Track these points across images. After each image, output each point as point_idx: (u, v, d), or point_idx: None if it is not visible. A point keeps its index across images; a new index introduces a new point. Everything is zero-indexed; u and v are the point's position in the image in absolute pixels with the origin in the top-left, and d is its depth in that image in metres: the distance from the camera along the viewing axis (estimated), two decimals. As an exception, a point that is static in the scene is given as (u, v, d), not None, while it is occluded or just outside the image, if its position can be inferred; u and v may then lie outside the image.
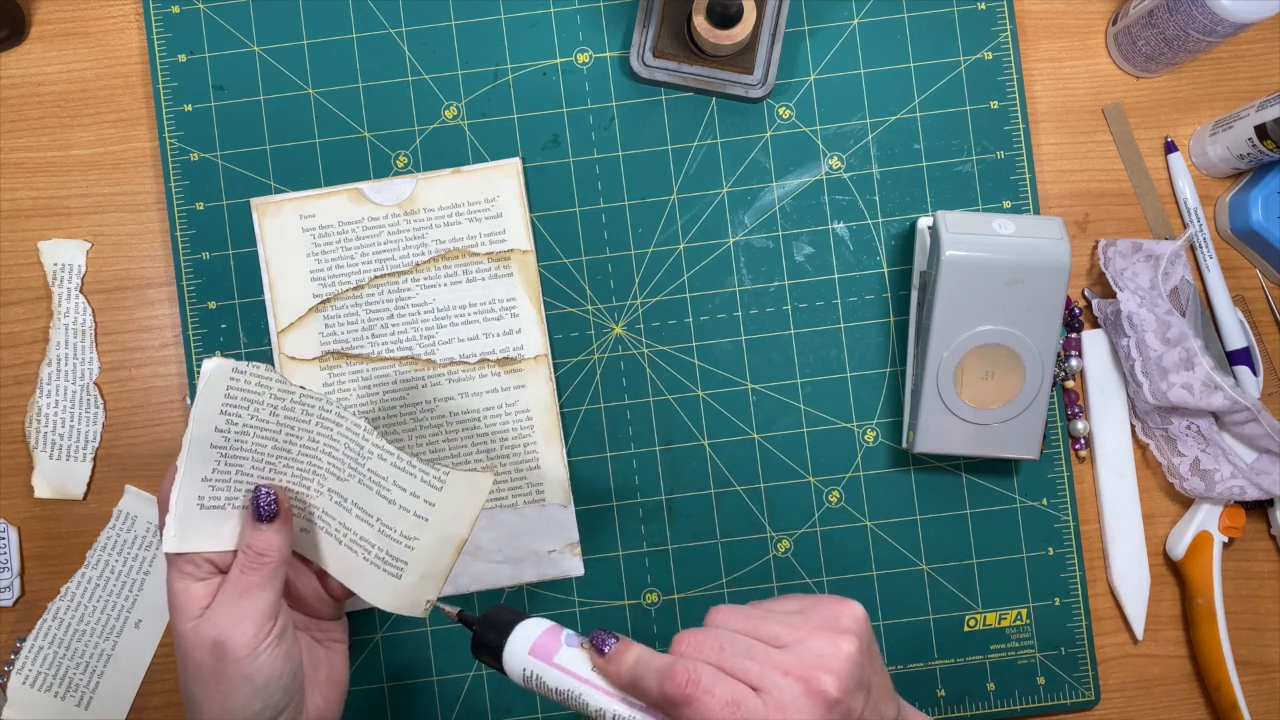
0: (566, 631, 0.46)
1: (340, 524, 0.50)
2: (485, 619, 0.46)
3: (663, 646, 0.62)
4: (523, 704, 0.62)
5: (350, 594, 0.51)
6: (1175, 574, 0.64)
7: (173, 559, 0.47)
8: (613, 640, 0.44)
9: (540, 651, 0.45)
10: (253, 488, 0.49)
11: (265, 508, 0.48)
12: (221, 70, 0.63)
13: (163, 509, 0.47)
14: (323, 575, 0.52)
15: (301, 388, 0.48)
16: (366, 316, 0.62)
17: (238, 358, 0.62)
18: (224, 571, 0.48)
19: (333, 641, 0.53)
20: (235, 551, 0.48)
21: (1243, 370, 0.62)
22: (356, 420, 0.48)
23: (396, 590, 0.50)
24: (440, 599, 0.50)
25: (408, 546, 0.49)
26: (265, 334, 0.62)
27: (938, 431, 0.59)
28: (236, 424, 0.47)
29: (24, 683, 0.62)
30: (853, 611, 0.43)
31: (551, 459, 0.62)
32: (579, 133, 0.63)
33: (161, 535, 0.47)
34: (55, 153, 0.64)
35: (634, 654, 0.43)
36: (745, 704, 0.40)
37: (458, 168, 0.62)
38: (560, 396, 0.62)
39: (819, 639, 0.42)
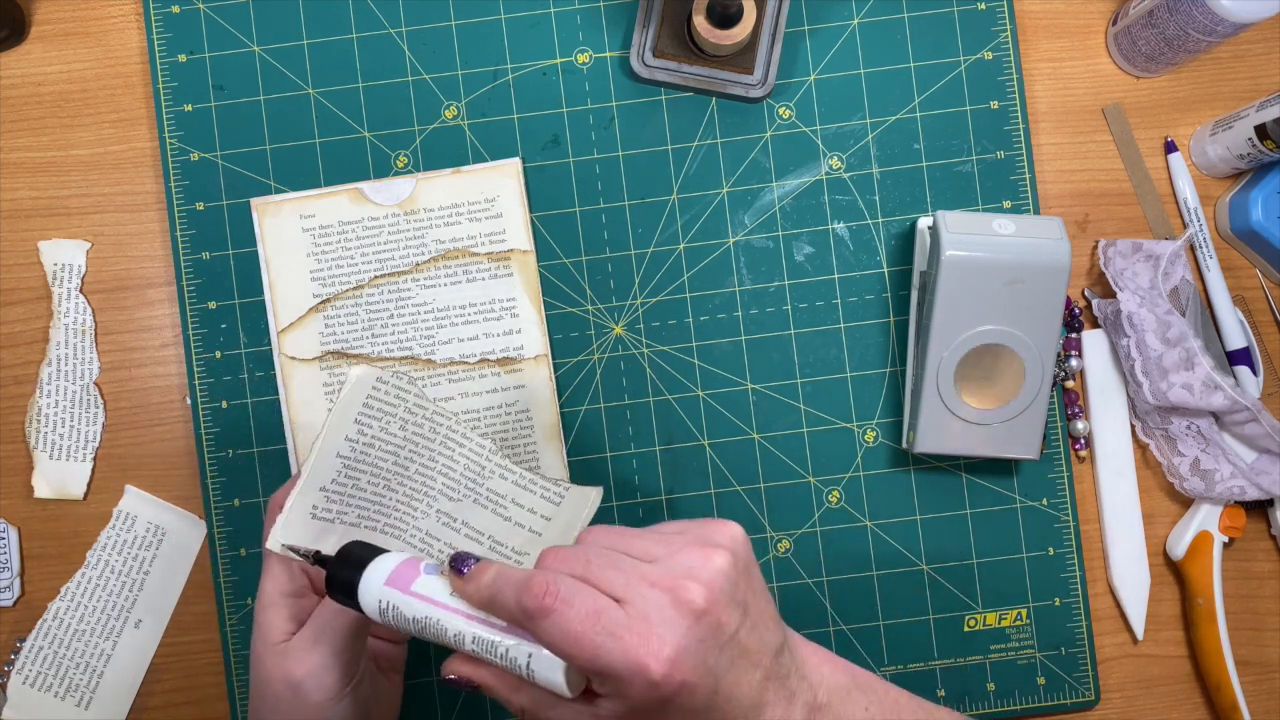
0: (426, 560, 0.43)
1: (446, 544, 0.48)
2: (340, 556, 0.43)
3: (663, 646, 0.62)
4: (523, 704, 0.62)
5: None
6: (1175, 574, 0.64)
7: (270, 562, 0.46)
8: (472, 560, 0.41)
9: (397, 581, 0.42)
10: (368, 507, 0.47)
11: (466, 568, 0.42)
12: (221, 70, 0.63)
13: (274, 513, 0.46)
14: None
15: (435, 405, 0.47)
16: (366, 316, 0.62)
17: (237, 358, 0.62)
18: (316, 593, 0.47)
19: (393, 671, 0.51)
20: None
21: (1243, 370, 0.62)
22: (482, 441, 0.47)
23: None
24: (300, 551, 0.46)
25: (518, 561, 0.48)
26: (265, 334, 0.62)
27: (938, 431, 0.59)
28: (366, 435, 0.46)
29: (24, 683, 0.62)
30: (729, 530, 0.41)
31: (551, 459, 0.62)
32: (579, 133, 0.63)
33: (266, 536, 0.46)
34: (55, 153, 0.64)
35: (492, 571, 0.40)
36: (606, 615, 0.37)
37: (458, 168, 0.62)
38: (560, 396, 0.62)
39: (690, 552, 0.39)
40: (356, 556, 0.43)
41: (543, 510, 0.48)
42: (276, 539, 0.46)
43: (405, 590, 0.41)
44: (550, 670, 0.39)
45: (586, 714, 0.39)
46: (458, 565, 0.40)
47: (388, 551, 0.43)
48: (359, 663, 0.45)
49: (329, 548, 0.47)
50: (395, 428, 0.47)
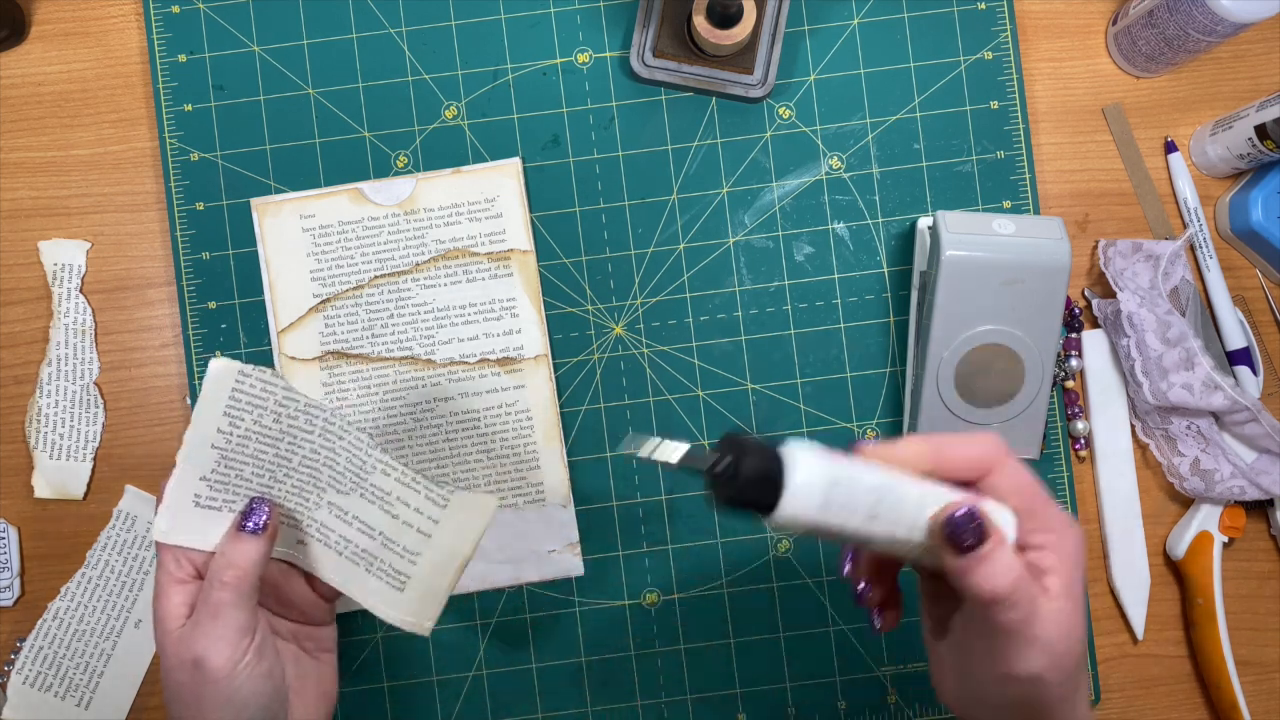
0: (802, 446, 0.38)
1: (340, 536, 0.49)
2: (732, 446, 0.37)
3: (663, 646, 0.62)
4: (523, 704, 0.62)
5: (339, 594, 0.51)
6: (1175, 574, 0.64)
7: (160, 552, 0.47)
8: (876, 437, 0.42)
9: (831, 457, 0.38)
10: (250, 496, 0.48)
11: (253, 522, 0.47)
12: (221, 70, 0.63)
13: (160, 502, 0.47)
14: (311, 578, 0.51)
15: (306, 398, 0.47)
16: (366, 316, 0.62)
17: (238, 358, 0.62)
18: (201, 578, 0.47)
19: (321, 651, 0.52)
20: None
21: (1243, 370, 0.62)
22: (359, 435, 0.48)
23: (398, 603, 0.49)
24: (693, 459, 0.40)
25: (410, 561, 0.49)
26: (265, 334, 0.62)
27: (938, 432, 0.59)
28: (239, 427, 0.47)
29: (24, 683, 0.62)
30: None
31: (551, 459, 0.62)
32: (579, 133, 0.63)
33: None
34: (55, 153, 0.64)
35: (919, 437, 0.41)
36: (1039, 489, 0.40)
37: (458, 168, 0.62)
38: (560, 396, 0.62)
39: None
40: (753, 445, 0.37)
41: (429, 512, 0.48)
42: (160, 529, 0.47)
43: (847, 462, 0.38)
44: (1003, 518, 0.40)
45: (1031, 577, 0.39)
46: (858, 447, 0.40)
47: (776, 446, 0.38)
48: (251, 633, 0.45)
49: (215, 537, 0.47)
50: (269, 420, 0.47)
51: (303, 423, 0.48)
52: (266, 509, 0.47)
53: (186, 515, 0.47)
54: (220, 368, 0.46)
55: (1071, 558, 0.40)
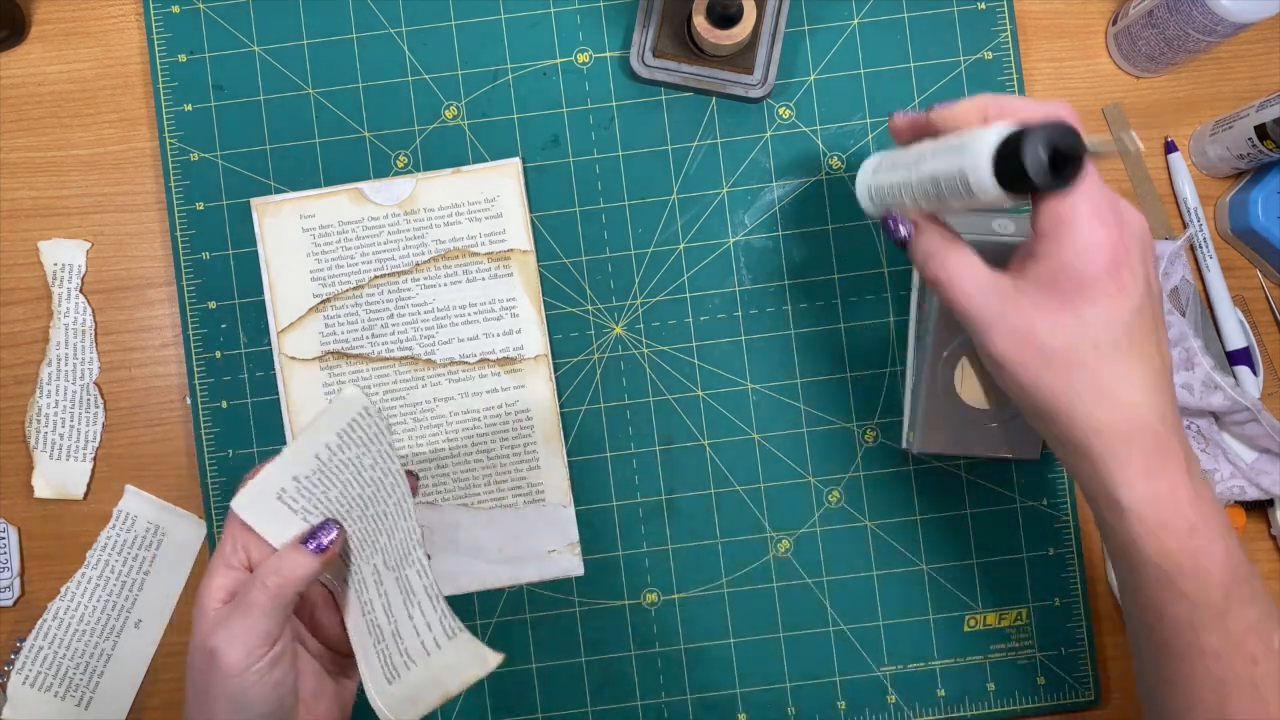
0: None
1: (369, 600, 0.49)
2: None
3: (663, 647, 0.62)
4: (523, 704, 0.62)
5: None
6: (1175, 574, 0.64)
7: (226, 527, 0.48)
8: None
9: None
10: (325, 516, 0.49)
11: (318, 542, 0.47)
12: (221, 70, 0.63)
13: (249, 478, 0.48)
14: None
15: (399, 465, 0.48)
16: (366, 316, 0.62)
17: (237, 358, 0.62)
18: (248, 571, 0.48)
19: (343, 676, 0.52)
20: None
21: (1243, 370, 0.62)
22: (414, 527, 0.48)
23: (385, 691, 0.49)
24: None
25: (406, 664, 0.48)
26: (265, 334, 0.62)
27: (938, 432, 0.59)
28: (342, 454, 0.47)
29: (24, 683, 0.62)
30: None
31: (551, 459, 0.62)
32: (579, 133, 0.63)
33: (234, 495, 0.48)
34: (55, 153, 0.64)
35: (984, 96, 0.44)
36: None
37: (458, 168, 0.62)
38: (560, 396, 0.62)
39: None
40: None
41: (436, 634, 0.48)
42: (240, 502, 0.47)
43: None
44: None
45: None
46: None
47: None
48: (271, 643, 0.45)
49: (281, 537, 0.48)
50: (367, 464, 0.48)
51: (388, 485, 0.48)
52: (335, 534, 0.48)
53: (266, 501, 0.48)
54: (352, 396, 0.46)
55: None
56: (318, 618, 0.51)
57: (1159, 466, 0.42)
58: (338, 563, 0.50)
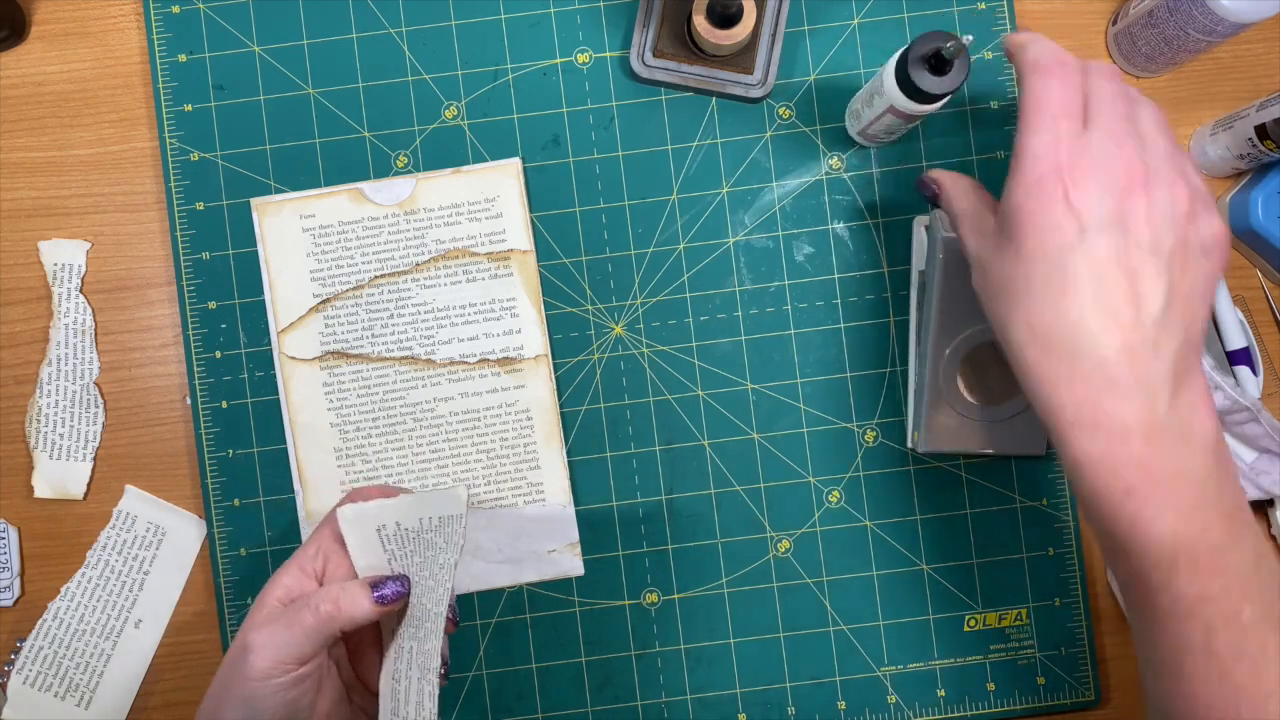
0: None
1: (400, 671, 0.50)
2: None
3: (663, 647, 0.62)
4: (523, 704, 0.62)
5: None
6: (1175, 574, 0.64)
7: (319, 530, 0.49)
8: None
9: None
10: (402, 572, 0.49)
11: (384, 592, 0.47)
12: (221, 70, 0.63)
13: (355, 496, 0.49)
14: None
15: (453, 587, 0.49)
16: (366, 316, 0.62)
17: (237, 358, 0.62)
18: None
19: (362, 713, 0.51)
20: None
21: (1243, 370, 0.62)
22: (438, 650, 0.48)
23: None
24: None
25: None
26: (265, 334, 0.62)
27: (943, 431, 0.59)
28: (431, 534, 0.49)
29: (24, 683, 0.62)
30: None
31: (551, 459, 0.62)
32: (579, 133, 0.63)
33: (343, 501, 0.49)
34: (55, 153, 0.64)
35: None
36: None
37: (458, 168, 0.62)
38: (560, 396, 0.62)
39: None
40: None
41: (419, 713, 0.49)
42: (347, 511, 0.49)
43: None
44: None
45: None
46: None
47: None
48: (299, 664, 0.45)
49: (360, 566, 0.49)
50: (440, 560, 0.49)
51: (439, 592, 0.49)
52: (402, 592, 0.48)
53: (367, 527, 0.49)
54: (462, 496, 0.49)
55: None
56: (365, 650, 0.51)
57: (1095, 420, 0.40)
58: (391, 618, 0.50)
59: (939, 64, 0.51)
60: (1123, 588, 0.44)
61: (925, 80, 0.52)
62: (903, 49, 0.52)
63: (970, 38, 0.49)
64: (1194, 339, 0.42)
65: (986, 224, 0.45)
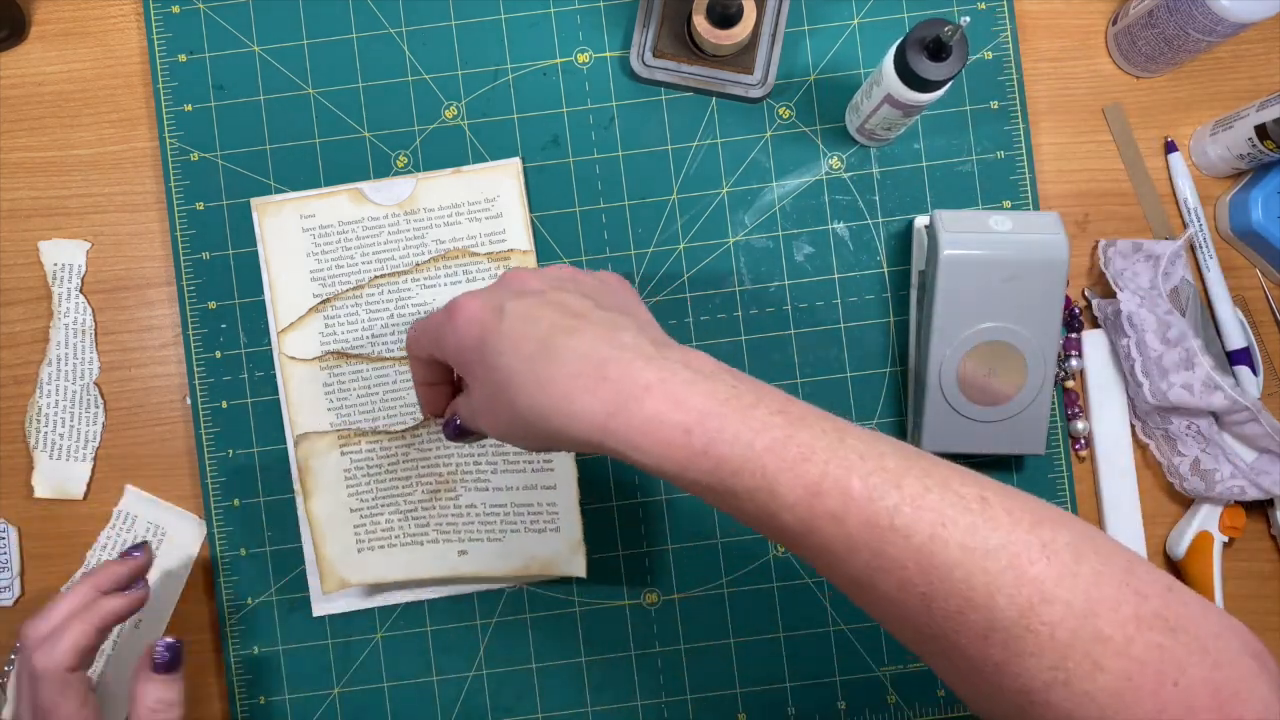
0: None
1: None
2: None
3: (663, 647, 0.62)
4: (523, 704, 0.62)
5: None
6: (1175, 574, 0.64)
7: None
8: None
9: None
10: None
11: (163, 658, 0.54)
12: (221, 70, 0.63)
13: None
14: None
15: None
16: (367, 316, 0.62)
17: (237, 358, 0.62)
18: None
19: None
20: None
21: (1243, 370, 0.62)
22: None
23: None
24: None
25: None
26: (265, 334, 0.62)
27: (944, 431, 0.59)
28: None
29: (24, 683, 0.61)
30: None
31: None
32: (579, 133, 0.63)
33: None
34: (55, 153, 0.64)
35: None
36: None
37: (458, 168, 0.62)
38: (560, 396, 0.62)
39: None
40: None
41: None
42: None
43: None
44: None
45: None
46: None
47: None
48: (90, 657, 0.54)
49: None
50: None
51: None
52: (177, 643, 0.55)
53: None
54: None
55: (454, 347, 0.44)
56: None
57: (618, 399, 0.39)
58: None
59: (937, 50, 0.52)
60: (772, 536, 0.39)
61: (924, 66, 0.53)
62: (901, 38, 0.53)
63: (967, 19, 0.50)
64: (646, 322, 0.44)
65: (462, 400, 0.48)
